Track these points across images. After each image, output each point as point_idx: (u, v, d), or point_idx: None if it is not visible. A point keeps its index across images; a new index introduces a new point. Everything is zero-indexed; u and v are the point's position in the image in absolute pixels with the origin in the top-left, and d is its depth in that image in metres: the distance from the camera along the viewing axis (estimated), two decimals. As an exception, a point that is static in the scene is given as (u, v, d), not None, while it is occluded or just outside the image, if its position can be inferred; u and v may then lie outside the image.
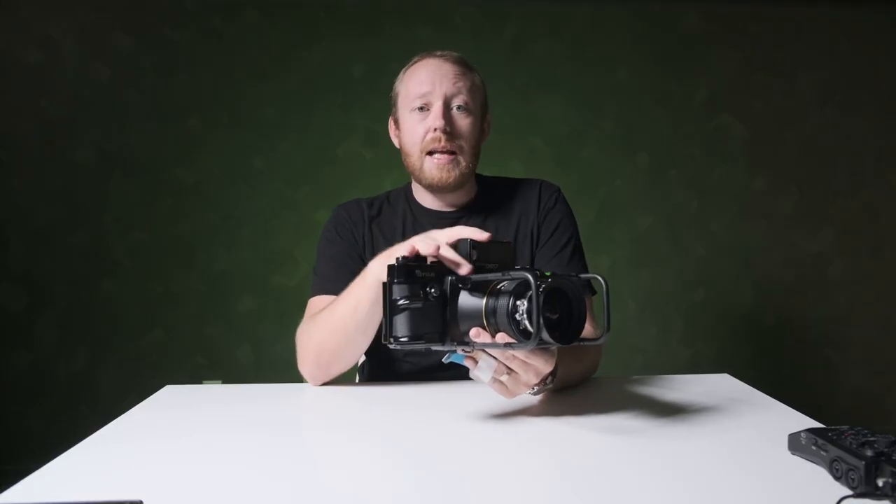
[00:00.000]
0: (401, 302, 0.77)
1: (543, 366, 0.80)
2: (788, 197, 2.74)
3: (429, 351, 1.13)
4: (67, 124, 2.46)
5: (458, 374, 1.14)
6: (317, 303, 1.13)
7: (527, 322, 0.70)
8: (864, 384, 2.79)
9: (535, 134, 2.65)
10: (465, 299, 0.79)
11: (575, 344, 0.74)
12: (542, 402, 0.95)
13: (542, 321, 0.67)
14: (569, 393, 1.00)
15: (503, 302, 0.73)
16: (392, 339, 0.79)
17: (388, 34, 2.57)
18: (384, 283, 0.79)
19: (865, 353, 2.78)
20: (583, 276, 0.80)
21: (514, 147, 2.62)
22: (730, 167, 2.72)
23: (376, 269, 0.95)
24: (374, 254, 1.18)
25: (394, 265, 0.79)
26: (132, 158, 2.50)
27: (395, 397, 1.01)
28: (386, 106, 1.23)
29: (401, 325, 0.78)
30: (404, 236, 1.17)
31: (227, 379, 2.48)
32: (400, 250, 0.83)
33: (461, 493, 0.64)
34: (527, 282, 0.68)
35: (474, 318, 0.77)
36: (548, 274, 0.72)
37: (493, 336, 0.74)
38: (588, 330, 1.11)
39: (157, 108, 2.50)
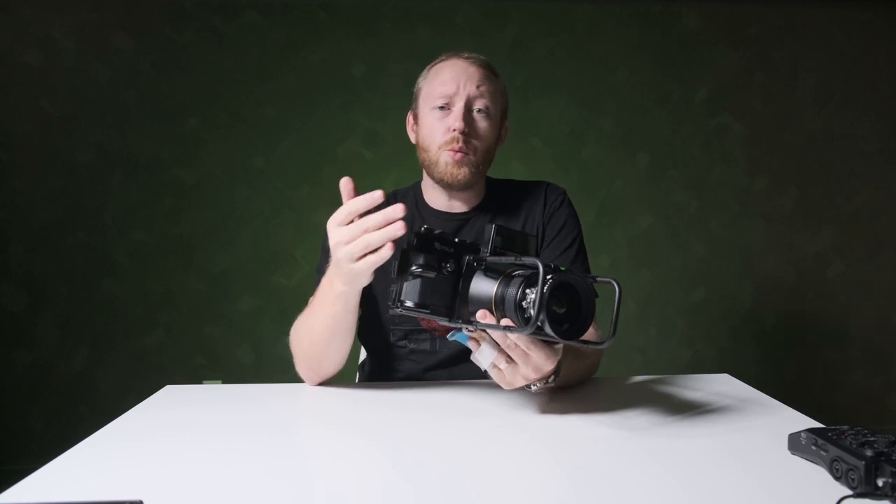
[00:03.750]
0: (414, 269, 0.78)
1: (544, 362, 0.79)
2: (788, 197, 2.74)
3: (433, 335, 1.13)
4: (67, 124, 2.46)
5: (457, 374, 1.14)
6: None
7: (532, 311, 0.69)
8: (864, 384, 2.79)
9: (535, 134, 2.65)
10: (479, 281, 0.78)
11: (576, 344, 0.73)
12: (542, 401, 0.94)
13: (544, 310, 0.67)
14: (570, 392, 1.00)
15: (513, 289, 0.72)
16: (399, 304, 0.79)
17: (388, 34, 2.57)
18: (403, 250, 0.80)
19: (865, 353, 2.78)
20: (599, 278, 0.79)
21: (514, 147, 2.61)
22: (730, 167, 2.72)
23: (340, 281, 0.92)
24: None
25: (419, 232, 0.79)
26: (132, 158, 2.50)
27: (396, 397, 1.01)
28: (386, 105, 1.23)
29: (410, 291, 0.78)
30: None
31: (227, 379, 2.49)
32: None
33: (461, 493, 0.64)
34: (538, 271, 0.68)
35: (484, 300, 0.76)
36: (563, 269, 0.71)
37: (499, 321, 0.74)
38: (589, 331, 1.11)
39: (157, 108, 2.50)
